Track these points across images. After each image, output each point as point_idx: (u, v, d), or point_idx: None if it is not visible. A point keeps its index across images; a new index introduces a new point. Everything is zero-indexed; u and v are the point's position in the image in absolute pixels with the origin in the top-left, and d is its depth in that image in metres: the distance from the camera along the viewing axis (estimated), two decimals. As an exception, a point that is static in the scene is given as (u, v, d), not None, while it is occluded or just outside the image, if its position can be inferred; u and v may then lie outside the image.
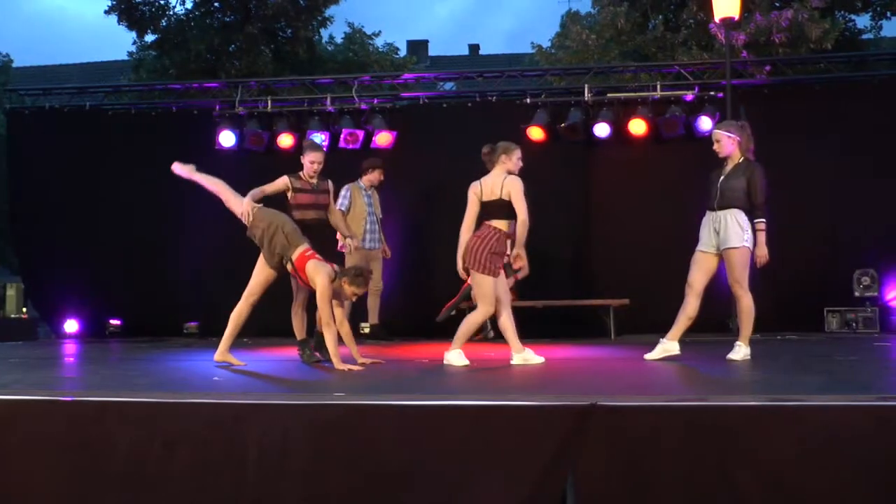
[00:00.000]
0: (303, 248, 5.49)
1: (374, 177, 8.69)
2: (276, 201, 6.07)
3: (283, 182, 6.17)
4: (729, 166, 5.80)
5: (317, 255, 5.50)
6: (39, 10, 65.24)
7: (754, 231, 5.65)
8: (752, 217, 5.67)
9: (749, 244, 5.63)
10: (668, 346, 5.77)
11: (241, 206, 5.71)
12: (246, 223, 5.68)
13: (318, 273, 5.34)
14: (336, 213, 6.54)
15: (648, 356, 5.80)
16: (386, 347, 7.74)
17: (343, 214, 8.44)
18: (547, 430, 3.14)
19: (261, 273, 5.67)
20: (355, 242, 7.79)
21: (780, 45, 12.21)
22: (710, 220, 5.77)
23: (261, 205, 5.74)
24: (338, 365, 5.25)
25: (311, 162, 6.15)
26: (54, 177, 10.15)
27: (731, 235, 5.62)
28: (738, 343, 5.72)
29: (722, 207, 5.69)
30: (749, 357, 5.62)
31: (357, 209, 8.55)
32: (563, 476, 3.08)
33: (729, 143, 5.77)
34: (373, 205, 8.69)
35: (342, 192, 8.54)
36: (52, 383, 4.93)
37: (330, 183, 6.43)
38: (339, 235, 8.55)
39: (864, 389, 3.94)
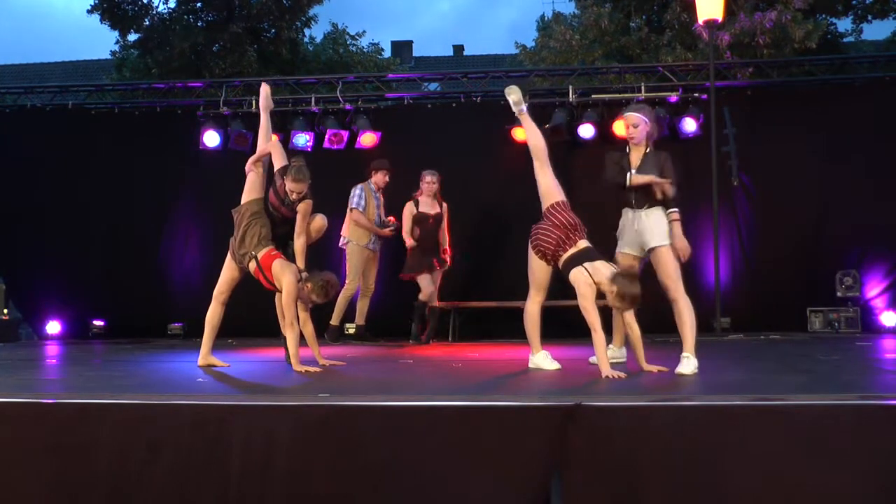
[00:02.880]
0: (269, 248, 5.53)
1: (380, 178, 8.69)
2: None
3: (280, 162, 5.76)
4: (635, 156, 5.33)
5: (282, 255, 5.53)
6: (27, 6, 64.34)
7: (671, 222, 5.22)
8: (665, 208, 5.25)
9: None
10: (617, 352, 5.52)
11: (254, 170, 5.79)
12: (249, 170, 5.77)
13: (285, 273, 5.36)
14: (301, 239, 5.60)
15: (594, 360, 5.30)
16: (371, 348, 7.74)
17: (361, 213, 8.49)
18: (532, 430, 3.14)
19: (227, 271, 5.71)
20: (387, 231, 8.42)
21: (763, 46, 12.29)
22: (631, 220, 5.37)
23: (262, 197, 5.74)
24: (296, 366, 5.22)
25: (290, 190, 5.57)
26: (36, 176, 10.07)
27: (657, 234, 5.22)
28: (684, 354, 4.94)
29: (640, 206, 5.30)
30: (697, 370, 4.85)
31: (369, 210, 8.58)
32: (548, 476, 3.08)
33: (644, 129, 5.30)
34: (379, 206, 8.72)
35: (356, 192, 8.55)
36: (34, 385, 4.88)
37: (305, 205, 5.64)
38: (343, 231, 8.56)
39: (847, 389, 3.97)
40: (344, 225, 8.60)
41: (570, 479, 3.07)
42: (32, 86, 11.22)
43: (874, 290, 9.21)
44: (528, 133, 5.56)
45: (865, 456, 2.99)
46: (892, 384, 4.46)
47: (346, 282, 8.50)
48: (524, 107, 5.64)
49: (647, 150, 5.33)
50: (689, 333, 5.01)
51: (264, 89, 6.24)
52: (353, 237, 8.55)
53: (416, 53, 29.72)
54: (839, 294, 9.10)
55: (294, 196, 5.60)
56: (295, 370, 5.19)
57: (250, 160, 5.85)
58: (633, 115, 5.35)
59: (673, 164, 5.28)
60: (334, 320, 8.37)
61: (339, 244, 8.67)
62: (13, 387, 4.55)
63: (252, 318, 7.22)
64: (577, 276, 4.97)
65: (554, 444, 3.09)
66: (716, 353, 6.31)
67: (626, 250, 5.40)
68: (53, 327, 9.98)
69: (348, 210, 8.56)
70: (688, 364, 4.89)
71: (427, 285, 8.18)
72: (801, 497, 2.99)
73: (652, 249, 5.24)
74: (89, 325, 9.94)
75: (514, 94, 5.69)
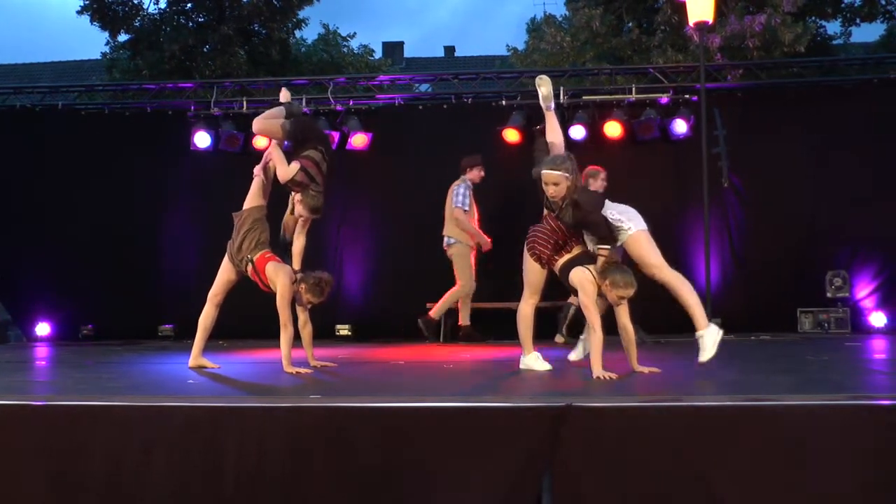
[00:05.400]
0: (264, 251, 5.54)
1: (475, 174, 8.49)
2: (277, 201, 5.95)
3: (282, 167, 5.67)
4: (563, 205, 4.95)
5: (276, 258, 5.55)
6: (23, 5, 63.65)
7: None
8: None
9: (640, 226, 4.95)
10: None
11: (260, 175, 5.74)
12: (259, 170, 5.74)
13: (279, 274, 5.38)
14: (300, 241, 5.74)
15: (573, 357, 5.47)
16: (363, 349, 7.73)
17: (463, 213, 8.29)
18: (523, 431, 3.15)
19: (224, 273, 5.71)
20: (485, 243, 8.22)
21: (753, 48, 12.33)
22: None
23: (265, 204, 5.73)
24: (287, 367, 5.23)
25: (298, 213, 5.70)
26: (26, 177, 10.01)
27: (619, 232, 4.97)
28: (699, 333, 4.76)
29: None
30: (720, 336, 4.75)
31: (472, 210, 8.44)
32: (539, 477, 3.09)
33: (565, 185, 4.87)
34: None
35: (460, 191, 8.36)
36: (23, 387, 4.87)
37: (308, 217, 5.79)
38: (447, 232, 8.34)
39: (837, 389, 3.99)
40: (446, 225, 8.43)
41: (561, 480, 3.08)
42: (22, 86, 11.16)
43: (863, 290, 9.26)
44: (550, 131, 5.31)
45: (855, 456, 3.00)
46: (882, 384, 4.49)
47: (461, 283, 8.31)
48: (552, 103, 5.33)
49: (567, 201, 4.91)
50: (696, 308, 4.76)
51: (283, 96, 6.24)
52: (461, 237, 8.35)
53: (407, 54, 29.69)
54: (829, 295, 9.14)
55: (298, 216, 5.71)
56: (286, 371, 5.19)
57: (258, 166, 5.81)
58: (551, 174, 4.86)
59: (590, 201, 5.00)
60: (462, 321, 8.35)
61: (444, 246, 8.46)
62: (3, 389, 4.53)
63: (242, 319, 7.22)
64: (581, 274, 4.88)
65: (545, 444, 3.09)
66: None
67: (600, 245, 5.05)
68: (43, 329, 9.93)
69: (450, 210, 8.34)
70: (707, 339, 4.69)
71: None
72: (791, 497, 3.00)
73: (621, 245, 5.01)
74: (79, 326, 9.89)
75: (545, 87, 5.26)
